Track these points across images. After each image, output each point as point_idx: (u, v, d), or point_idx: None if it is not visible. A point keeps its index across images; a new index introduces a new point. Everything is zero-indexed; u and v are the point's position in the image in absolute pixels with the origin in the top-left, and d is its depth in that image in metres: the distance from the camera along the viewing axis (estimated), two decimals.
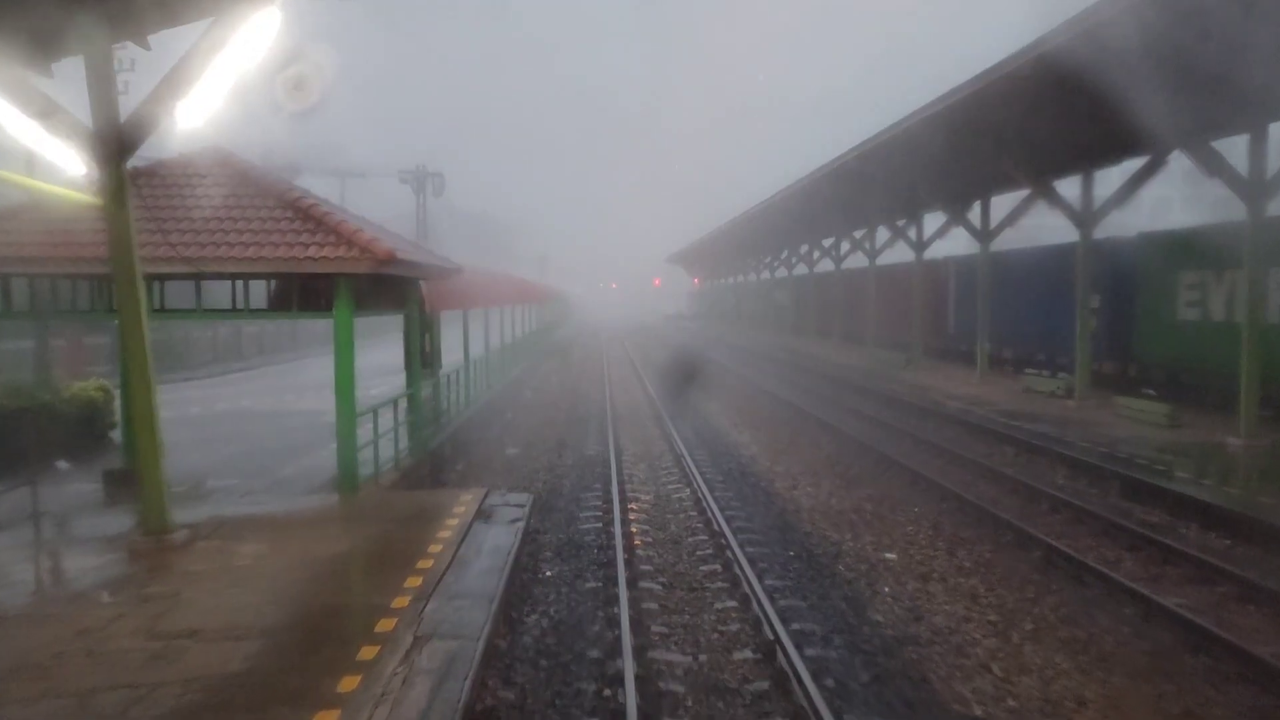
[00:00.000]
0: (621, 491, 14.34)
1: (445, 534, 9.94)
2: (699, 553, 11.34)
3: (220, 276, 11.91)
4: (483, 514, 11.02)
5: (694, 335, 69.67)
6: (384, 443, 14.43)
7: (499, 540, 9.86)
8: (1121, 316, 24.43)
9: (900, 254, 39.19)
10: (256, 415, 26.20)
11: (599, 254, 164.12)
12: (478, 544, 9.66)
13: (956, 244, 37.29)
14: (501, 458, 19.24)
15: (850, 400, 25.48)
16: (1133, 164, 20.96)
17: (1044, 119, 19.46)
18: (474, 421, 22.51)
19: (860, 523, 13.02)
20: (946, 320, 36.25)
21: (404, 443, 15.72)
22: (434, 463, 17.07)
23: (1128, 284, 24.19)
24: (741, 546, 11.18)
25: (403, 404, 15.86)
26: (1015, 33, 17.44)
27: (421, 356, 27.39)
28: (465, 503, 11.48)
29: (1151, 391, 22.67)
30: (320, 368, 41.88)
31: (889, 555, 11.41)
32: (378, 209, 52.71)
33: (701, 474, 15.77)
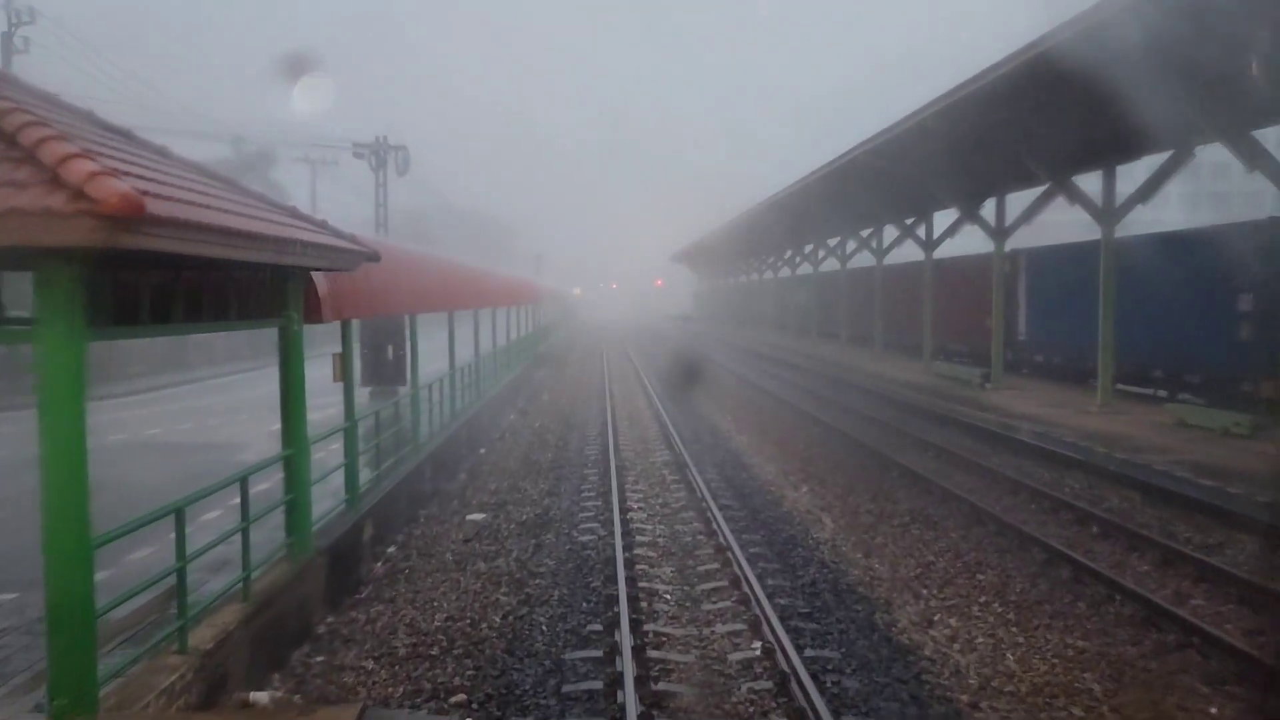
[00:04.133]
0: (640, 655, 7.90)
1: None
2: None
3: None
4: None
5: (703, 340, 63.29)
6: (255, 532, 8.30)
7: None
8: None
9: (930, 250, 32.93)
10: (157, 450, 20.19)
11: (599, 254, 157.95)
12: None
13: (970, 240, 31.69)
14: (453, 538, 12.93)
15: (937, 436, 19.06)
16: None
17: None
18: (430, 466, 16.27)
19: None
20: (1016, 325, 29.84)
21: (283, 531, 9.51)
22: (335, 558, 10.68)
23: None
24: None
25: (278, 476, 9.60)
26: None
27: (388, 372, 21.25)
28: None
29: None
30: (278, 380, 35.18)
31: None
32: (364, 205, 46.24)
33: (766, 590, 9.41)
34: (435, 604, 10.08)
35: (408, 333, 18.28)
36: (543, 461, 18.39)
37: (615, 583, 9.71)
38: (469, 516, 14.51)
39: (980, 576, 10.36)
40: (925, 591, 10.05)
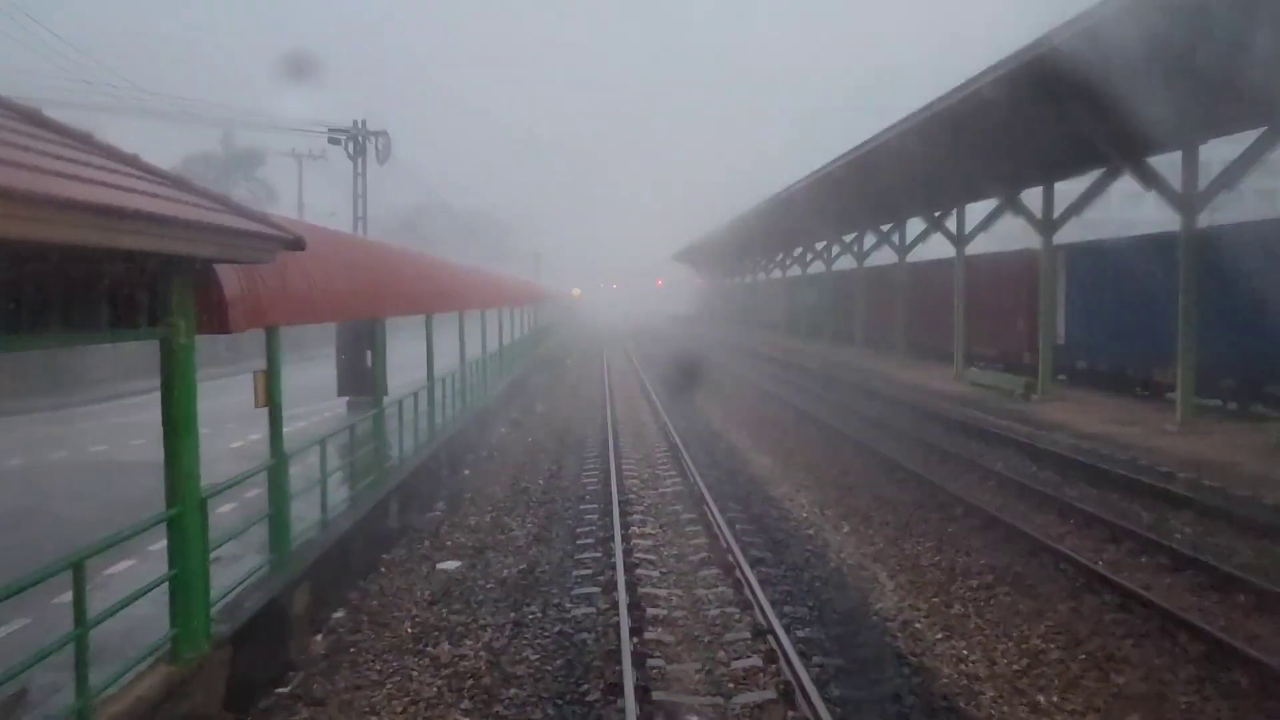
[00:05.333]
0: None
1: None
2: None
3: None
4: None
5: (708, 342, 60.49)
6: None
7: None
8: None
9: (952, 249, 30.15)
10: (96, 471, 17.60)
11: (598, 254, 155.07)
12: None
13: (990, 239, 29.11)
14: (417, 596, 10.28)
15: (995, 460, 16.29)
16: None
17: None
18: (399, 498, 13.63)
19: None
20: (1054, 328, 27.16)
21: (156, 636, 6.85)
22: (247, 647, 7.95)
23: None
24: None
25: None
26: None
27: (368, 381, 18.45)
28: None
29: None
30: (248, 386, 32.23)
31: None
32: (351, 202, 43.25)
33: (833, 710, 6.68)
34: (375, 716, 7.36)
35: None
36: (533, 490, 15.65)
37: (621, 694, 6.97)
38: (440, 565, 11.84)
39: (1117, 677, 7.61)
40: (1044, 700, 7.33)
